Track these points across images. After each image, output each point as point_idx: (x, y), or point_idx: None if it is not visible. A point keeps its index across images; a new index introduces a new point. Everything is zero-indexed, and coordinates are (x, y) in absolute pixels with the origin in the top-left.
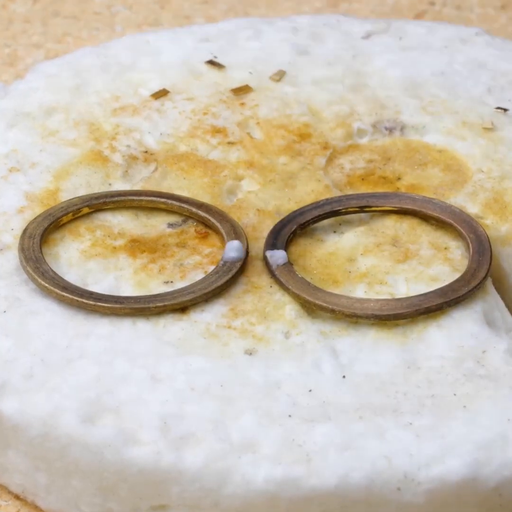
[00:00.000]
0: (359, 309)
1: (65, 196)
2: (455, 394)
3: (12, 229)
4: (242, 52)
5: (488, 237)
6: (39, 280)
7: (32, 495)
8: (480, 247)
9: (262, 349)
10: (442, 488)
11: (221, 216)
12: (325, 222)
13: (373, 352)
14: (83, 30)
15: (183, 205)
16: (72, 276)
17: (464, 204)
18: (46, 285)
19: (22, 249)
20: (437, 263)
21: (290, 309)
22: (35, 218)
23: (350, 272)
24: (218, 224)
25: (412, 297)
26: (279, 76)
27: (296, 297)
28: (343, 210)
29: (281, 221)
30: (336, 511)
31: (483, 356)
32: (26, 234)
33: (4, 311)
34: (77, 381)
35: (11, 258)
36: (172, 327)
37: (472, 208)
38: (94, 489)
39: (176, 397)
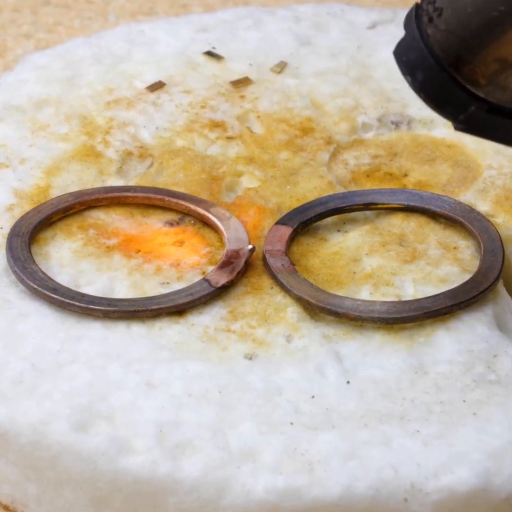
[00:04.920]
0: (365, 312)
1: (56, 193)
2: (464, 401)
3: (1, 228)
4: (242, 42)
5: (500, 236)
6: (27, 281)
7: (22, 506)
8: (492, 246)
9: (263, 353)
10: (451, 499)
11: (221, 213)
12: (329, 220)
13: (379, 356)
14: (75, 19)
15: (180, 202)
16: (64, 277)
17: (474, 201)
18: (35, 286)
19: (10, 248)
20: (446, 264)
21: (292, 311)
22: (23, 216)
23: (354, 273)
24: (218, 222)
25: (420, 299)
26: (280, 67)
27: (298, 299)
28: (347, 208)
29: (282, 219)
30: None
31: (494, 360)
32: (14, 232)
33: None
34: (69, 386)
35: (0, 258)
36: (168, 331)
37: (483, 206)
38: (86, 500)
39: (172, 404)
